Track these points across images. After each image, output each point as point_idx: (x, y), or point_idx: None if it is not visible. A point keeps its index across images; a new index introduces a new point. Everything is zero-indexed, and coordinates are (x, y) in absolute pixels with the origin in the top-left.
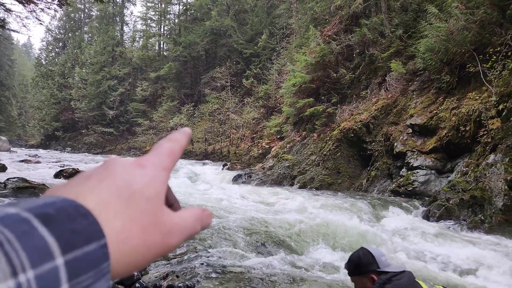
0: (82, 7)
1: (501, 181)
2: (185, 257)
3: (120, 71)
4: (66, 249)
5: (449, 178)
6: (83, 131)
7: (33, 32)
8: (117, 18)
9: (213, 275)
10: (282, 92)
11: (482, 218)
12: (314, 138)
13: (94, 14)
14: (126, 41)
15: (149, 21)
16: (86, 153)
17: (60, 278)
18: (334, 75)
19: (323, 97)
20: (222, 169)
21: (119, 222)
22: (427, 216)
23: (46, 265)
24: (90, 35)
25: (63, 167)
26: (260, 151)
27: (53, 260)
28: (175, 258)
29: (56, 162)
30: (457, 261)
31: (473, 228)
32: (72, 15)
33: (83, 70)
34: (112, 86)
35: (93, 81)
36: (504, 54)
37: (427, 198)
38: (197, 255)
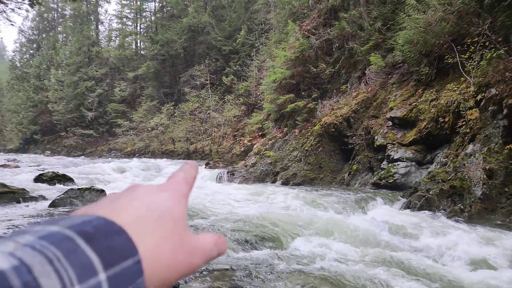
0: (55, 6)
1: (480, 171)
2: None
3: (97, 71)
4: (107, 265)
5: (429, 169)
6: (62, 134)
7: (4, 34)
8: (92, 17)
9: (198, 273)
10: (262, 88)
11: (462, 207)
12: (296, 134)
13: (67, 13)
14: (102, 41)
15: (124, 19)
16: (66, 156)
17: None
18: (314, 70)
19: (303, 93)
20: (205, 167)
21: (151, 240)
22: (408, 207)
23: (91, 281)
24: (64, 35)
25: (43, 171)
26: (242, 149)
27: (97, 276)
28: None
29: (35, 166)
30: (436, 249)
31: (453, 217)
32: (45, 15)
33: (59, 72)
34: (90, 87)
35: (70, 83)
36: (482, 44)
37: (408, 190)
38: None
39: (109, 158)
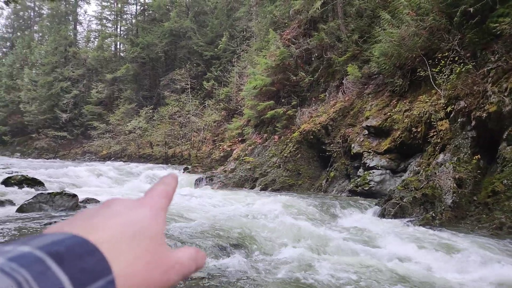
0: (32, 5)
1: (450, 179)
2: None
3: (73, 72)
4: (78, 287)
5: (403, 177)
6: (34, 135)
7: None
8: (70, 17)
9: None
10: (243, 94)
11: (433, 215)
12: (275, 140)
13: (45, 12)
14: (80, 41)
15: (104, 20)
16: (37, 159)
17: None
18: (294, 78)
19: (283, 100)
20: (183, 172)
21: (125, 259)
22: (382, 214)
23: None
24: (40, 34)
25: (11, 173)
26: (221, 154)
27: None
28: None
29: (3, 168)
30: (406, 256)
31: (425, 225)
32: (21, 13)
33: (33, 71)
34: (65, 88)
35: (44, 83)
36: (451, 59)
37: (383, 197)
38: None
39: (83, 162)
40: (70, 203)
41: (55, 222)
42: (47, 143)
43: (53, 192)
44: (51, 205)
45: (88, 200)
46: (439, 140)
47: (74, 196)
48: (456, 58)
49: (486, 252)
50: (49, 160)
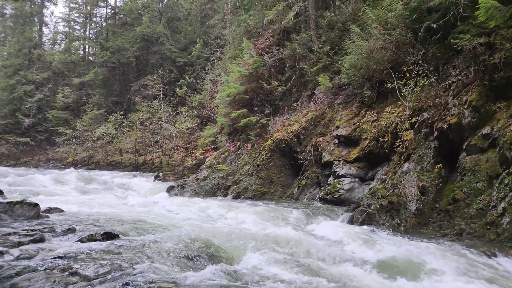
0: None
1: (414, 187)
2: (109, 276)
3: (38, 75)
4: None
5: (371, 185)
6: None
7: None
8: (35, 18)
9: None
10: (216, 102)
11: (399, 221)
12: (248, 148)
13: (8, 12)
14: (45, 43)
15: (72, 23)
16: None
17: None
18: (267, 87)
19: (256, 108)
20: (154, 180)
21: None
22: (351, 221)
23: None
24: (3, 35)
25: None
26: (194, 162)
27: None
28: (97, 278)
29: None
30: (372, 261)
31: (391, 231)
32: None
33: None
34: (29, 92)
35: (6, 86)
36: (416, 72)
37: (351, 205)
38: (122, 273)
39: (47, 169)
40: (31, 212)
41: (14, 232)
42: (7, 149)
43: (12, 201)
44: (10, 214)
45: (51, 210)
46: (404, 150)
47: (36, 205)
48: (420, 72)
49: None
50: (9, 167)
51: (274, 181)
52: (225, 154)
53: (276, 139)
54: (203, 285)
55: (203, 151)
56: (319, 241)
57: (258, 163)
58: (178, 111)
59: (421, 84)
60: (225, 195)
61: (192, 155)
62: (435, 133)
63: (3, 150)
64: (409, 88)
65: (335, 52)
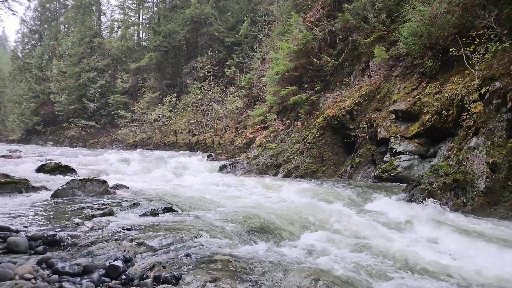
0: None
1: (483, 164)
2: (172, 248)
3: (99, 62)
4: None
5: (432, 163)
6: (64, 125)
7: (6, 24)
8: (94, 8)
9: (200, 264)
10: (265, 80)
11: (465, 200)
12: (298, 126)
13: (69, 3)
14: (104, 32)
15: (127, 10)
16: (68, 147)
17: None
18: (317, 62)
19: (306, 85)
20: (207, 159)
21: None
22: (410, 200)
23: None
24: (66, 25)
25: (45, 161)
26: (244, 141)
27: None
28: (162, 249)
29: (37, 156)
30: (436, 242)
31: (456, 211)
32: (48, 5)
33: (61, 62)
34: (92, 78)
35: (72, 74)
36: (487, 37)
37: (410, 183)
38: (183, 245)
39: (111, 150)
40: (101, 188)
41: (87, 206)
42: (77, 132)
43: (84, 179)
44: (83, 190)
45: (117, 186)
46: (472, 124)
47: (104, 182)
48: (492, 36)
49: None
50: (79, 148)
51: (326, 159)
52: (275, 132)
53: (328, 116)
54: (256, 259)
55: (253, 131)
56: (380, 221)
57: (308, 141)
58: (228, 91)
59: (493, 50)
60: (276, 174)
61: (242, 134)
62: (509, 104)
63: (73, 133)
64: (479, 55)
65: (392, 20)
